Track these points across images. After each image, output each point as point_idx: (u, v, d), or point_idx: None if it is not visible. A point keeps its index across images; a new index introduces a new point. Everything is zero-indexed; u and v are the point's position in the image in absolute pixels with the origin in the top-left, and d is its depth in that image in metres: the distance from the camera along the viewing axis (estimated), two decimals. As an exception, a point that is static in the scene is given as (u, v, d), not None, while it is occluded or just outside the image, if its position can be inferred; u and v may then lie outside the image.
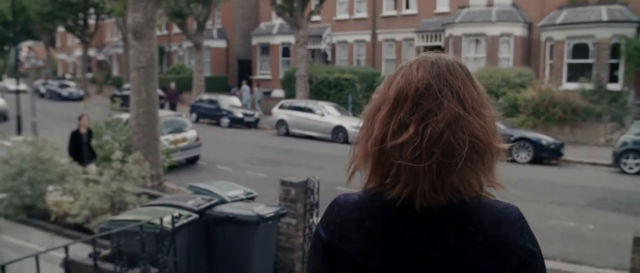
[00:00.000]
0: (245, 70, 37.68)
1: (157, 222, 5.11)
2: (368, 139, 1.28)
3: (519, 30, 25.48)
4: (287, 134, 22.57)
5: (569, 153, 17.61)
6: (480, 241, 1.21)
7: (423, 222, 1.23)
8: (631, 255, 5.08)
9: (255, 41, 36.41)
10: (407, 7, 30.69)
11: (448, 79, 1.24)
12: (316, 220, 6.92)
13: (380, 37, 31.86)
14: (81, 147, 10.57)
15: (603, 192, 12.64)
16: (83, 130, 10.78)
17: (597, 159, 17.21)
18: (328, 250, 1.31)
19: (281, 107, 23.48)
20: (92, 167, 10.31)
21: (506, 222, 1.23)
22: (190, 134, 15.32)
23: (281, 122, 22.85)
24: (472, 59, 25.83)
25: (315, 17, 29.35)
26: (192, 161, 15.41)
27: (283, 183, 6.87)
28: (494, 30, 25.35)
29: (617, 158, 15.71)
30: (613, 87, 22.00)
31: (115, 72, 48.20)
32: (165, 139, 12.93)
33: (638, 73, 22.49)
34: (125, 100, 21.07)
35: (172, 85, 28.73)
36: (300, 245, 6.83)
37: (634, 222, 9.86)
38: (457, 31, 26.28)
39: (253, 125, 25.21)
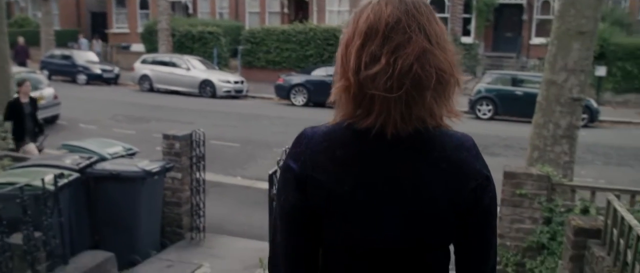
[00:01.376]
0: (99, 24, 35.21)
1: (38, 183, 4.71)
2: (347, 70, 1.30)
3: (379, -16, 26.25)
4: (152, 89, 21.65)
5: (428, 102, 18.71)
6: (444, 166, 1.30)
7: (392, 150, 1.30)
8: (502, 188, 5.55)
9: (109, -8, 34.12)
10: (270, -41, 30.32)
11: (415, 15, 1.28)
12: (203, 174, 6.79)
13: (243, -11, 31.25)
14: (23, 120, 8.60)
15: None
16: (24, 99, 8.86)
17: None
18: (300, 180, 1.33)
19: (143, 61, 22.40)
20: (31, 147, 8.54)
21: (464, 149, 1.34)
22: (47, 91, 14.17)
23: (144, 78, 21.83)
24: (336, 11, 26.36)
25: (175, -33, 28.12)
26: (50, 121, 14.27)
27: (166, 137, 6.64)
28: (356, -16, 25.90)
29: (473, 105, 17.06)
30: (466, 39, 23.68)
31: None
32: (20, 97, 11.83)
33: (487, 27, 24.38)
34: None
35: (21, 40, 24.81)
36: (187, 198, 6.68)
37: (491, 161, 10.78)
38: (320, -16, 26.52)
39: (113, 81, 23.86)
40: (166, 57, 22.50)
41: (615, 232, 3.70)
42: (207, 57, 24.52)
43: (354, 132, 1.30)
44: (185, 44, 26.09)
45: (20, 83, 9.21)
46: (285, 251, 1.40)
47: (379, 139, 1.28)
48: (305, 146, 1.35)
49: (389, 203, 1.30)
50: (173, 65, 21.61)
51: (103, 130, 13.48)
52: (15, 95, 9.09)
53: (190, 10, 32.44)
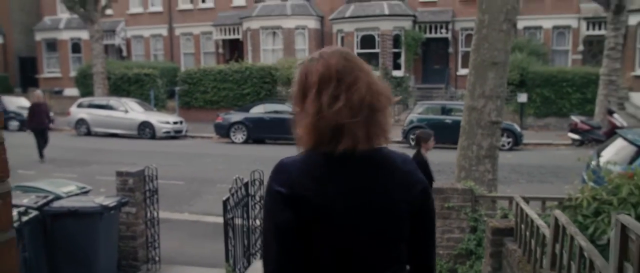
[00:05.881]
0: (28, 69, 34.67)
1: (3, 219, 4.97)
2: (311, 114, 1.66)
3: (312, 23, 27.26)
4: (89, 133, 21.57)
5: (364, 133, 19.46)
6: (397, 176, 1.71)
7: (357, 167, 1.68)
8: (433, 204, 6.18)
9: (39, 37, 33.67)
10: (203, 0, 30.90)
11: (352, 61, 1.75)
12: (157, 207, 7.12)
13: (177, 31, 31.65)
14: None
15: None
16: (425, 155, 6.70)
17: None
18: (290, 199, 1.63)
19: (80, 105, 22.33)
20: None
21: (408, 162, 1.79)
22: (-16, 138, 14.00)
23: (81, 122, 21.75)
24: (271, 50, 27.05)
25: (107, 11, 28.19)
26: (-13, 168, 14.11)
27: (119, 173, 6.95)
28: (289, 23, 26.79)
29: (406, 135, 17.94)
30: (397, 73, 24.83)
31: None
32: (-42, 145, 11.74)
33: (416, 60, 25.66)
34: None
35: (38, 94, 17.57)
36: (141, 232, 6.98)
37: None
38: (254, 24, 27.24)
39: (47, 126, 23.52)
40: (103, 100, 22.49)
41: (523, 227, 4.37)
42: (144, 99, 24.61)
43: (327, 156, 1.64)
44: (121, 86, 26.10)
45: (425, 138, 6.88)
46: (279, 260, 1.65)
47: (344, 159, 1.64)
48: (288, 173, 1.65)
49: (361, 209, 1.65)
50: (110, 108, 21.65)
51: (43, 175, 13.38)
52: (418, 148, 6.83)
53: (124, 53, 32.47)
